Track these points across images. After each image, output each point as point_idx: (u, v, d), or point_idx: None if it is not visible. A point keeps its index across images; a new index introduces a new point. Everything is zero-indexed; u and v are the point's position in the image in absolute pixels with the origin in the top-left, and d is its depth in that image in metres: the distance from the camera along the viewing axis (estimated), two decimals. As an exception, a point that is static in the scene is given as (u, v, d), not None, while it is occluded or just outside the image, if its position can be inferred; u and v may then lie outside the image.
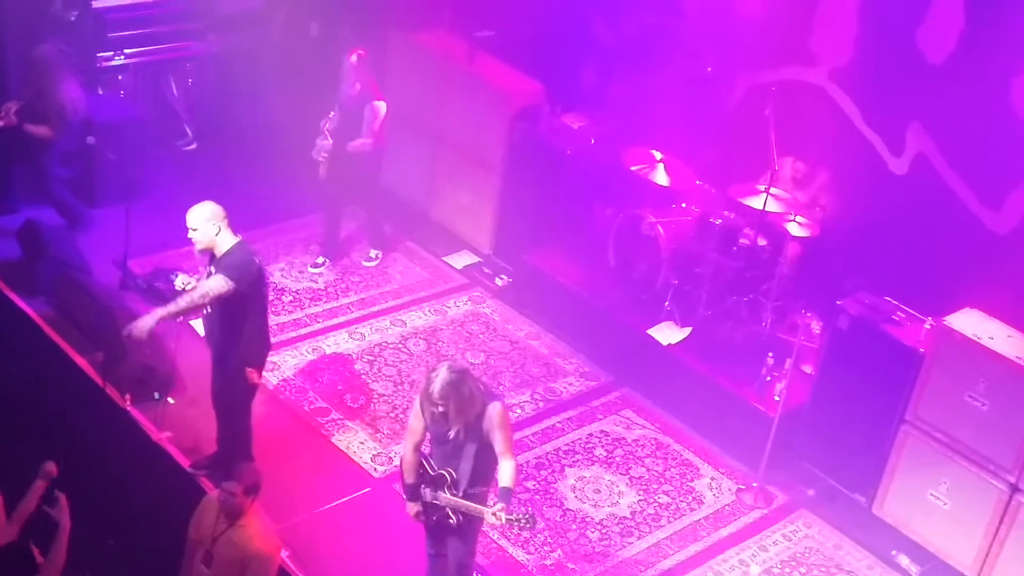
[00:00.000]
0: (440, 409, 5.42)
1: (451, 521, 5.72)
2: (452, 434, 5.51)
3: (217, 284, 6.14)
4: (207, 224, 6.15)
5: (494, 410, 5.50)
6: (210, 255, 6.26)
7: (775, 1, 8.36)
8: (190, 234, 6.19)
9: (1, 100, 8.62)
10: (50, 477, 5.24)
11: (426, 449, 5.79)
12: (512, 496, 5.52)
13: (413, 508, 5.81)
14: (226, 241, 6.21)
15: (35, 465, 5.47)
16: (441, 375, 5.40)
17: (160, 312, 6.15)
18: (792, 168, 8.17)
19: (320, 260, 9.00)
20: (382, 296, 8.81)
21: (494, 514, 5.43)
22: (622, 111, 9.28)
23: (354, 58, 8.39)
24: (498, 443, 5.52)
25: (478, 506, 5.58)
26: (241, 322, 6.32)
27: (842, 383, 7.24)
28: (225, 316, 6.29)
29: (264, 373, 6.71)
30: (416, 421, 5.67)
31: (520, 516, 5.45)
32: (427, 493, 5.74)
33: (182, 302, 6.17)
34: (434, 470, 5.69)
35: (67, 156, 8.69)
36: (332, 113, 8.55)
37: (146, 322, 6.12)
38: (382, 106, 8.45)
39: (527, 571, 6.65)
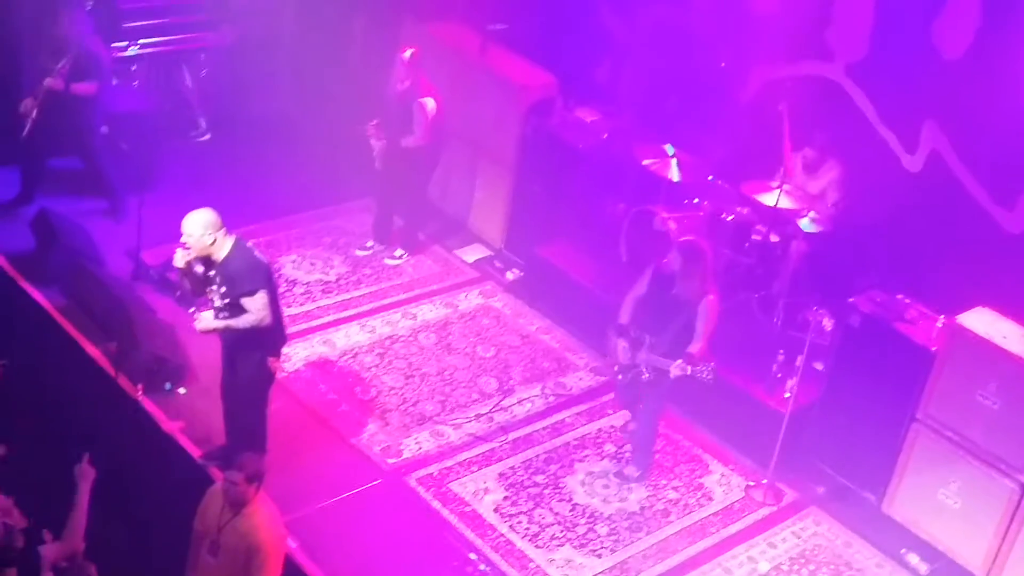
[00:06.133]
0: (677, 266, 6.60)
1: (645, 376, 6.75)
2: (675, 290, 6.62)
3: (258, 303, 6.18)
4: (202, 231, 6.09)
5: (709, 301, 6.59)
6: (206, 259, 6.21)
7: (791, -4, 8.34)
8: (184, 238, 6.14)
9: (16, 90, 8.66)
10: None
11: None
12: (696, 361, 6.48)
13: (621, 344, 6.81)
14: (223, 247, 6.16)
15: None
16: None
17: (221, 323, 6.25)
18: (802, 155, 8.14)
19: (369, 244, 9.12)
20: (393, 289, 8.81)
21: (678, 366, 6.49)
22: (635, 105, 9.26)
23: (407, 54, 8.44)
24: (699, 327, 6.58)
25: (666, 360, 6.59)
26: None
27: (853, 381, 7.22)
28: (241, 313, 6.27)
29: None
30: (641, 286, 6.85)
31: (704, 369, 6.45)
32: (626, 351, 6.77)
33: (243, 322, 6.22)
34: (637, 333, 6.71)
35: (107, 115, 8.71)
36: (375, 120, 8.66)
37: (207, 324, 6.28)
38: (430, 102, 8.50)
39: (536, 565, 6.65)
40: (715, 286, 6.77)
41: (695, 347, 6.61)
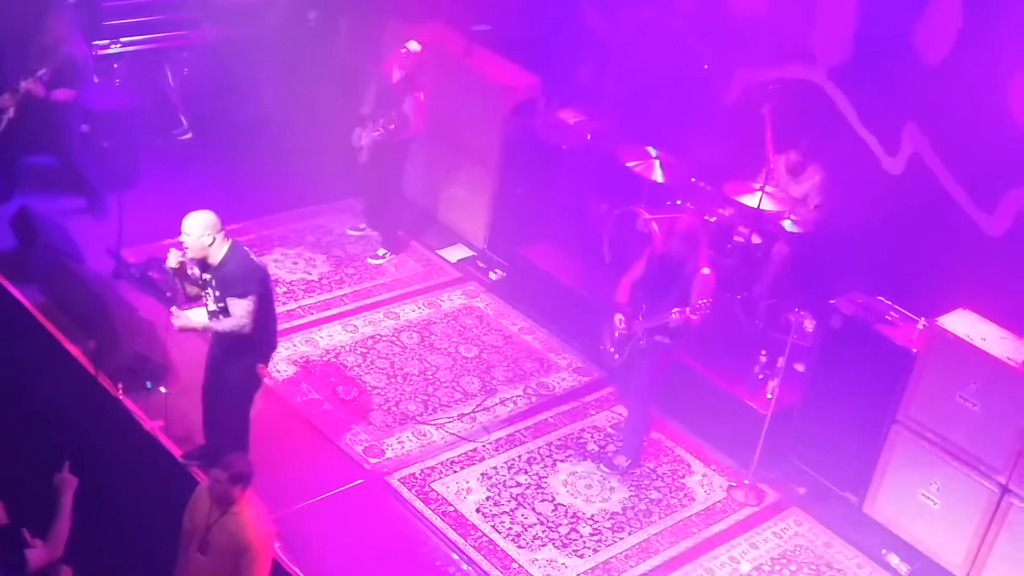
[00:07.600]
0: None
1: (640, 343, 6.90)
2: (671, 265, 6.83)
3: (243, 308, 6.08)
4: (201, 232, 6.02)
5: (705, 276, 6.82)
6: (201, 261, 6.14)
7: (774, -1, 8.39)
8: (182, 238, 6.06)
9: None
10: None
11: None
12: (680, 317, 6.71)
13: (618, 317, 7.00)
14: (220, 250, 6.09)
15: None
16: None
17: (202, 323, 6.16)
18: (785, 157, 8.17)
19: (362, 225, 9.21)
20: (376, 289, 8.80)
21: (676, 311, 6.64)
22: (618, 107, 9.29)
23: (411, 46, 8.45)
24: (694, 299, 6.73)
25: (661, 316, 6.76)
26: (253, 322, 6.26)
27: (834, 382, 7.25)
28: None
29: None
30: (638, 269, 7.08)
31: (700, 305, 6.66)
32: (622, 322, 6.93)
33: (223, 326, 6.12)
34: (633, 307, 6.91)
35: (88, 113, 8.68)
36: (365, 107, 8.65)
37: (186, 322, 6.18)
38: (421, 96, 8.53)
39: (518, 566, 6.65)
40: (708, 261, 6.96)
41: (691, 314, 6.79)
